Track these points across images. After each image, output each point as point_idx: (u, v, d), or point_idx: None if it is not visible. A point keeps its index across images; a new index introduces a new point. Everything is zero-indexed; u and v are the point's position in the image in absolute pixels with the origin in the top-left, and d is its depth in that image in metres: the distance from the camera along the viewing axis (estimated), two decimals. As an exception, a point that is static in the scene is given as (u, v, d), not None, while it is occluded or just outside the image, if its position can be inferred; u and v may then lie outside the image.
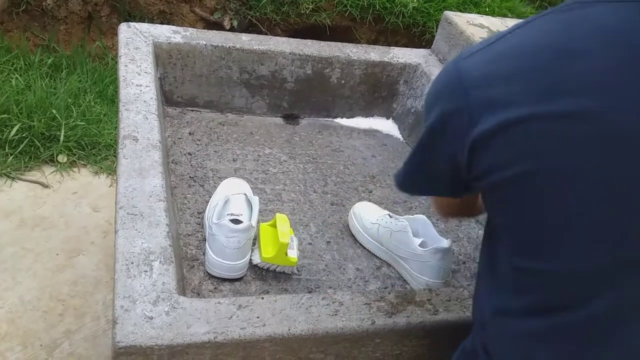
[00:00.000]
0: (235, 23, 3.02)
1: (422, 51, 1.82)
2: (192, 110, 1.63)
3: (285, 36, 2.04)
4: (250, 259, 1.18)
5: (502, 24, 1.79)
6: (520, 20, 0.75)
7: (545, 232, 0.70)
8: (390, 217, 1.31)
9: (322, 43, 1.70)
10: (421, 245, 1.25)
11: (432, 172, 0.83)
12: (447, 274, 1.25)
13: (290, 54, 1.63)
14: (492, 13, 3.06)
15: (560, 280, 0.71)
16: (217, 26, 2.96)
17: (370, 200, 1.47)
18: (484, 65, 0.71)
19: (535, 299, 0.75)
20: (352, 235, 1.36)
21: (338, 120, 1.77)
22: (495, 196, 0.75)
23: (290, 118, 1.72)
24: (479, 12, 2.39)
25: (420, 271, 1.24)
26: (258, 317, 0.92)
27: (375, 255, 1.32)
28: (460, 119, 0.72)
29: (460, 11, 1.92)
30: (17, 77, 2.51)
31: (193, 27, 1.75)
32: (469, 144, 0.72)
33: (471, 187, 0.79)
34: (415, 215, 1.32)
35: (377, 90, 1.76)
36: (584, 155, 0.65)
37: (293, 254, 1.17)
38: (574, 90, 0.65)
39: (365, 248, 1.33)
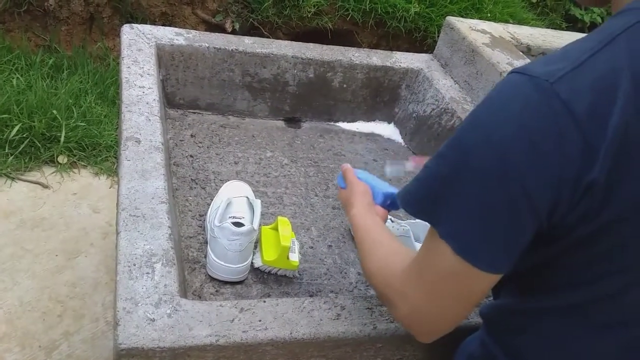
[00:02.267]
0: (237, 26, 3.02)
1: (424, 56, 1.82)
2: (194, 113, 1.63)
3: (287, 39, 2.04)
4: (252, 262, 1.18)
5: (504, 30, 1.80)
6: (597, 30, 0.69)
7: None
8: (392, 221, 1.31)
9: (325, 47, 1.71)
10: None
11: (506, 220, 0.67)
12: None
13: (292, 57, 1.63)
14: (494, 19, 3.06)
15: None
16: (219, 29, 2.96)
17: (371, 205, 1.47)
18: (589, 93, 0.64)
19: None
20: (354, 240, 1.36)
21: (340, 124, 1.77)
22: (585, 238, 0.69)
23: (292, 121, 1.72)
24: (480, 18, 2.40)
25: None
26: (260, 321, 0.92)
27: None
28: (570, 156, 0.64)
29: (462, 17, 1.92)
30: (18, 77, 2.51)
31: (195, 30, 1.75)
32: (585, 185, 0.65)
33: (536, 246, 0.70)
34: (416, 220, 1.32)
35: (379, 95, 1.76)
36: None
37: (294, 257, 1.17)
38: None
39: None
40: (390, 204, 1.08)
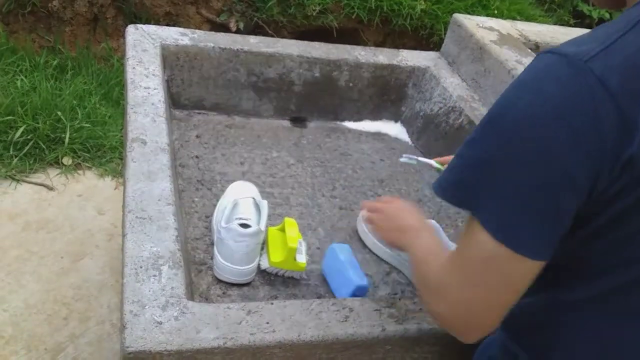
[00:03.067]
0: (241, 25, 3.01)
1: (431, 54, 1.81)
2: (199, 113, 1.62)
3: (292, 38, 2.03)
4: (259, 264, 1.17)
5: (511, 27, 1.78)
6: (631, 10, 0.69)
7: None
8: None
9: (330, 45, 1.69)
10: None
11: (546, 203, 0.67)
12: None
13: (298, 56, 1.62)
14: (501, 15, 3.04)
15: None
16: (223, 28, 2.95)
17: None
18: (624, 70, 0.65)
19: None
20: (361, 240, 1.35)
21: (346, 123, 1.75)
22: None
23: (298, 121, 1.71)
24: (488, 15, 2.38)
25: None
26: (268, 323, 0.91)
27: (385, 261, 1.30)
28: (607, 132, 0.64)
29: (469, 14, 1.91)
30: (22, 79, 2.51)
31: (199, 29, 1.75)
32: (625, 159, 0.65)
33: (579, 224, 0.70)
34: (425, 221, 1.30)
35: (386, 93, 1.75)
36: None
37: (302, 258, 1.16)
38: None
39: (374, 253, 1.31)
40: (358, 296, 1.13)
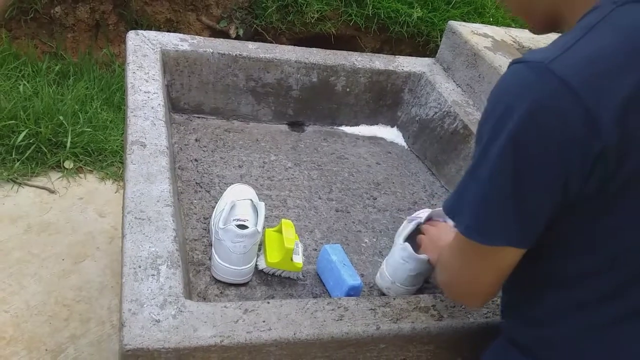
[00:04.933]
0: (241, 32, 3.04)
1: (427, 60, 1.83)
2: (199, 117, 1.64)
3: (291, 45, 2.05)
4: (256, 264, 1.19)
5: (506, 34, 1.81)
6: (590, 15, 0.74)
7: None
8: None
9: (328, 51, 1.72)
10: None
11: (519, 202, 0.73)
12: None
13: (296, 62, 1.64)
14: (496, 23, 3.07)
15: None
16: (223, 35, 2.98)
17: (374, 207, 1.48)
18: (584, 67, 0.69)
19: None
20: (357, 241, 1.37)
21: (343, 127, 1.78)
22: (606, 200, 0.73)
23: (296, 125, 1.73)
24: (482, 22, 2.41)
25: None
26: (264, 322, 0.93)
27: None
28: (574, 128, 0.68)
29: (465, 21, 1.93)
30: (24, 84, 2.53)
31: (199, 36, 1.77)
32: (595, 153, 0.68)
33: (562, 216, 0.74)
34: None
35: (382, 99, 1.77)
36: None
37: (298, 259, 1.18)
38: None
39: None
40: (352, 295, 1.15)
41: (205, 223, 1.29)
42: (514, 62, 0.74)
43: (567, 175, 0.70)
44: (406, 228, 1.27)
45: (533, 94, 0.69)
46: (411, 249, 1.16)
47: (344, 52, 1.75)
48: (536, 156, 0.70)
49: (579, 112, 0.67)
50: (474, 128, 1.54)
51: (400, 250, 1.18)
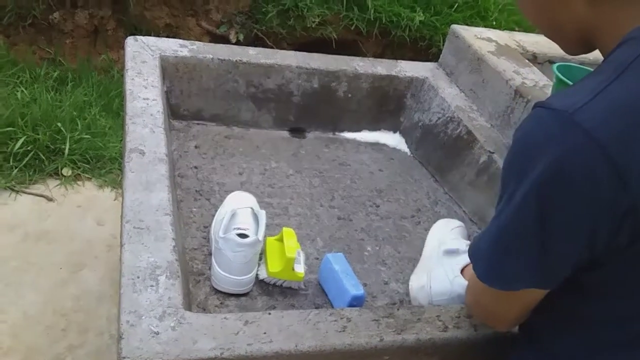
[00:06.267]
0: (241, 37, 3.02)
1: (429, 65, 1.82)
2: (198, 124, 1.62)
3: (291, 50, 2.04)
4: (257, 274, 1.17)
5: (509, 37, 1.79)
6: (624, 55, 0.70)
7: None
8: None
9: (329, 57, 1.70)
10: None
11: (541, 252, 0.72)
12: None
13: (297, 67, 1.62)
14: (499, 27, 3.06)
15: None
16: (223, 40, 2.97)
17: (377, 215, 1.46)
18: (612, 119, 0.65)
19: None
20: (359, 250, 1.35)
21: (345, 134, 1.76)
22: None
23: (297, 132, 1.71)
24: (486, 26, 2.39)
25: None
26: (265, 333, 0.91)
27: None
28: (600, 184, 0.65)
29: (467, 25, 1.91)
30: (22, 90, 2.52)
31: (199, 41, 1.75)
32: (623, 209, 0.66)
33: (588, 266, 0.73)
34: None
35: (384, 104, 1.75)
36: None
37: (300, 268, 1.16)
38: None
39: None
40: (355, 305, 1.14)
41: (205, 232, 1.27)
42: (538, 105, 0.70)
43: (593, 229, 0.68)
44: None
45: (557, 147, 0.66)
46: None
47: (346, 57, 1.73)
48: (560, 208, 0.68)
49: (606, 168, 0.64)
50: (477, 134, 1.52)
51: (458, 286, 1.15)
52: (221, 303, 1.12)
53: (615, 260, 0.71)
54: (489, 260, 0.77)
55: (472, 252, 0.82)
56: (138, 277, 0.93)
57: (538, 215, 0.69)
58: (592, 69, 0.82)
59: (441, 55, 1.81)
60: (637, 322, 0.76)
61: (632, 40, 0.70)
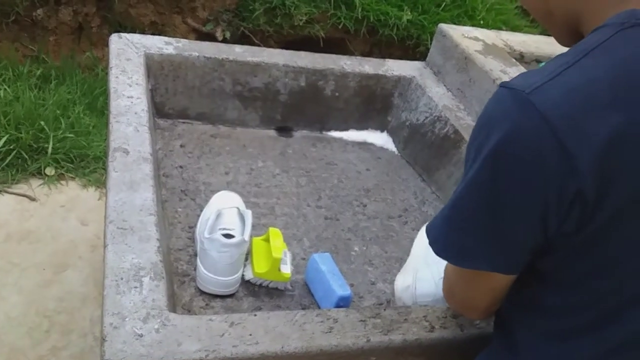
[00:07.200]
0: (227, 34, 3.00)
1: (417, 64, 1.81)
2: (184, 122, 1.60)
3: (279, 48, 2.02)
4: (243, 275, 1.16)
5: (496, 37, 1.79)
6: (580, 44, 0.70)
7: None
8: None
9: (316, 55, 1.69)
10: None
11: (498, 232, 0.72)
12: None
13: (283, 66, 1.61)
14: (487, 26, 3.06)
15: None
16: (210, 37, 2.94)
17: (364, 215, 1.45)
18: (566, 102, 0.65)
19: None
20: (346, 250, 1.34)
21: (332, 133, 1.75)
22: (587, 239, 0.70)
23: (284, 131, 1.70)
24: (473, 25, 2.39)
25: None
26: (250, 335, 0.90)
27: None
28: (548, 166, 0.65)
29: (455, 24, 1.91)
30: (5, 88, 2.48)
31: (185, 39, 1.73)
32: (571, 194, 0.65)
33: (543, 250, 0.72)
34: None
35: (372, 103, 1.74)
36: None
37: (286, 269, 1.15)
38: None
39: None
40: (342, 306, 1.13)
41: (190, 232, 1.25)
42: (501, 85, 0.71)
43: (544, 212, 0.68)
44: None
45: (510, 124, 0.67)
46: None
47: (333, 56, 1.72)
48: (509, 186, 0.68)
49: (555, 151, 0.65)
50: (465, 133, 1.52)
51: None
52: (206, 304, 1.11)
53: (565, 247, 0.71)
54: (445, 235, 0.77)
55: (429, 228, 0.81)
56: (122, 279, 0.92)
57: (488, 190, 0.70)
58: None
59: (428, 54, 1.81)
60: (589, 311, 0.75)
61: (605, 28, 0.70)
